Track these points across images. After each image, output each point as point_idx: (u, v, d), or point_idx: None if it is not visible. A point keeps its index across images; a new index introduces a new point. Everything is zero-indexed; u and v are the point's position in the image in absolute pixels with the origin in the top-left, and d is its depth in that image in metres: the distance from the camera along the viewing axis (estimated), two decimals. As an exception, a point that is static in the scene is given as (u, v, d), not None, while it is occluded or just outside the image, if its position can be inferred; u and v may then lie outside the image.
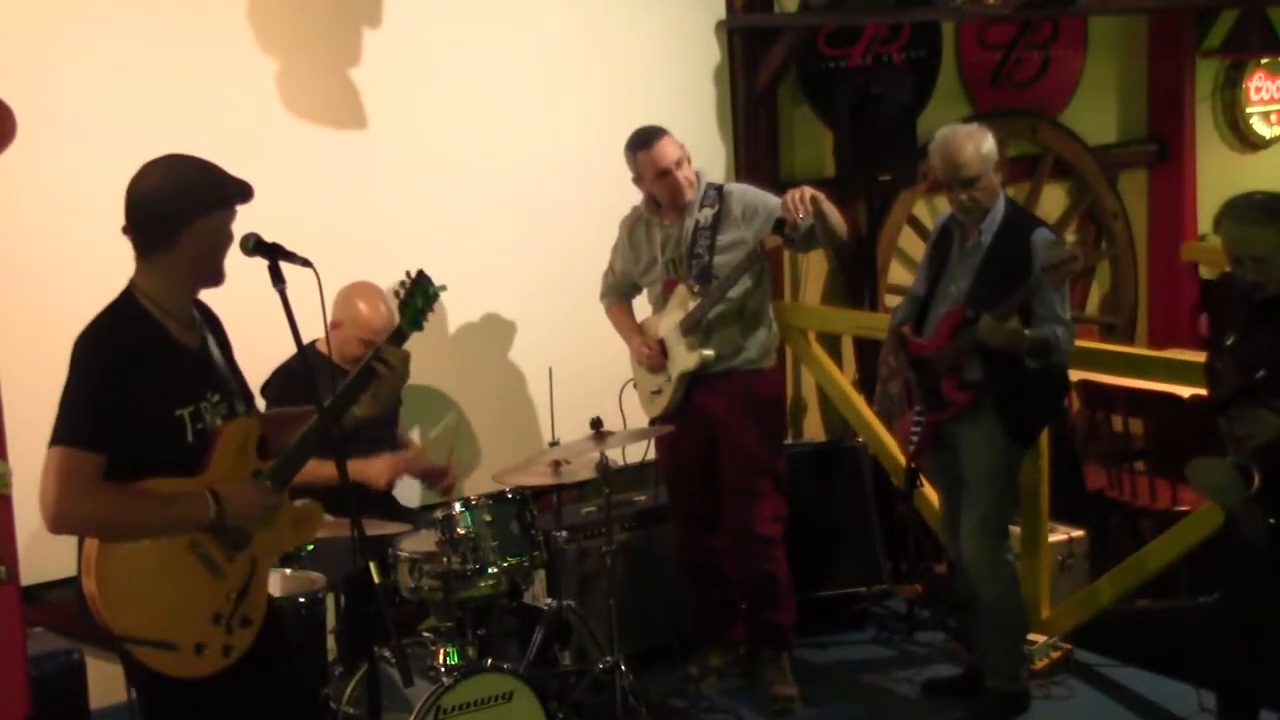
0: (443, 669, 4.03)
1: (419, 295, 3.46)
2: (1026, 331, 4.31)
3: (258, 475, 3.12)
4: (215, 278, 3.08)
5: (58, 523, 2.90)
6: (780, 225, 4.59)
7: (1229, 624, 4.01)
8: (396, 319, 4.34)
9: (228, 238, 3.05)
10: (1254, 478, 3.66)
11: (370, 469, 4.65)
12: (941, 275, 4.63)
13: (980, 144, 4.45)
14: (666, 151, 4.80)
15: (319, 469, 3.88)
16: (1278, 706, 4.23)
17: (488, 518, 4.19)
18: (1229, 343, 3.73)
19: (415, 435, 5.39)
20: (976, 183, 4.45)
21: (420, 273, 3.50)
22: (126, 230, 3.03)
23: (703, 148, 5.46)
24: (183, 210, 2.98)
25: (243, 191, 3.04)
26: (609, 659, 4.50)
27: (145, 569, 2.93)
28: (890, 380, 4.72)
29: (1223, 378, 3.75)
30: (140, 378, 2.93)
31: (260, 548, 3.12)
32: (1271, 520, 3.70)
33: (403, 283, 3.49)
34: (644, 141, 4.83)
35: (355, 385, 3.28)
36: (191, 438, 3.01)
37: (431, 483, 5.08)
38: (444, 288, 3.53)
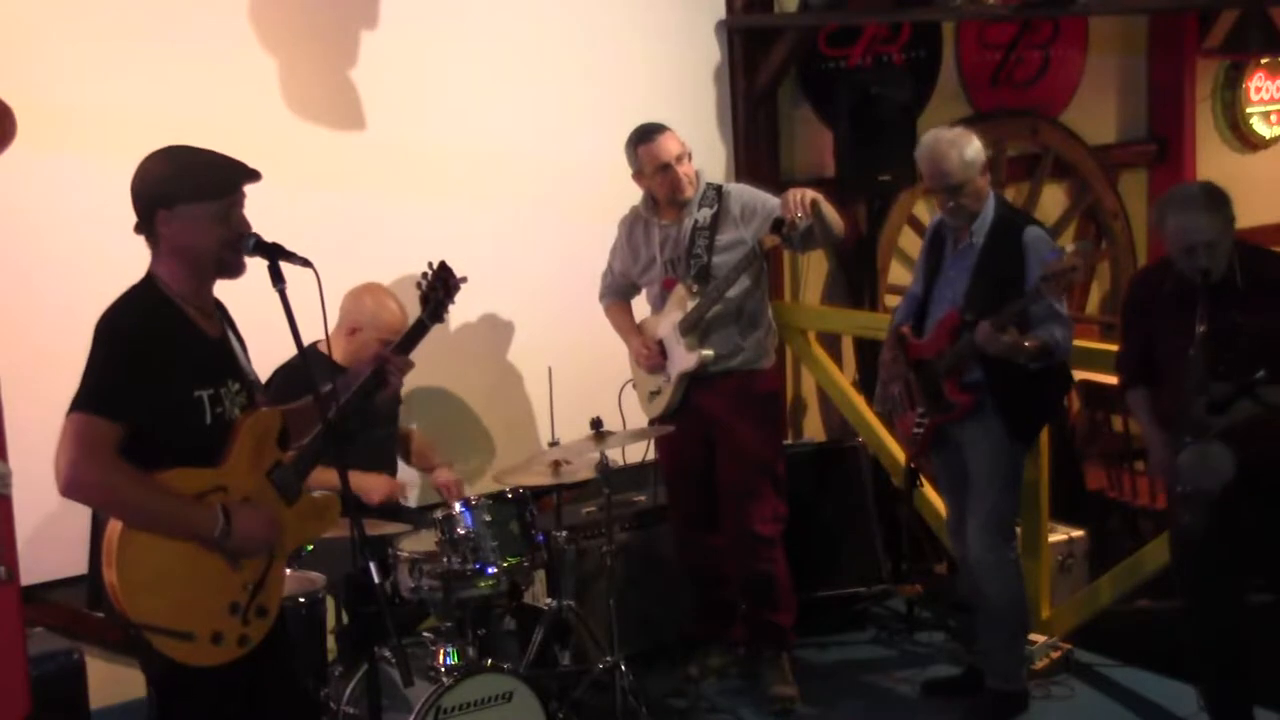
0: (443, 669, 4.03)
1: (440, 286, 3.46)
2: (1026, 344, 4.30)
3: (276, 467, 3.15)
4: (219, 271, 3.09)
5: (70, 486, 2.91)
6: (779, 225, 4.59)
7: (1202, 628, 4.04)
8: (408, 315, 4.38)
9: (214, 233, 3.03)
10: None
11: (367, 483, 4.65)
12: (937, 276, 4.63)
13: (964, 150, 4.43)
14: (667, 146, 4.81)
15: (320, 475, 3.90)
16: (1276, 706, 4.24)
17: (488, 518, 4.19)
18: (1200, 329, 3.77)
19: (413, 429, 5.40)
20: (961, 189, 4.45)
21: (443, 264, 3.51)
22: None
23: (703, 148, 5.46)
24: (144, 203, 3.03)
25: (209, 187, 3.02)
26: (609, 659, 4.50)
27: (165, 558, 2.96)
28: (891, 381, 4.72)
29: (1194, 365, 3.79)
30: (160, 353, 2.97)
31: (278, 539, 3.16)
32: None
33: (425, 274, 3.49)
34: (645, 135, 4.84)
35: (358, 395, 3.30)
36: (210, 420, 3.03)
37: (437, 490, 5.07)
38: (465, 279, 3.53)
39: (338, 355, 4.62)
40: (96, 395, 2.92)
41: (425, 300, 3.49)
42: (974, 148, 4.46)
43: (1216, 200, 3.89)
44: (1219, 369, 3.79)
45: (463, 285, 3.55)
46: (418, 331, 3.44)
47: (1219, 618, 4.03)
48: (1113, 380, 5.50)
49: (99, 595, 2.99)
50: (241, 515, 3.03)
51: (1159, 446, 4.05)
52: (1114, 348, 5.67)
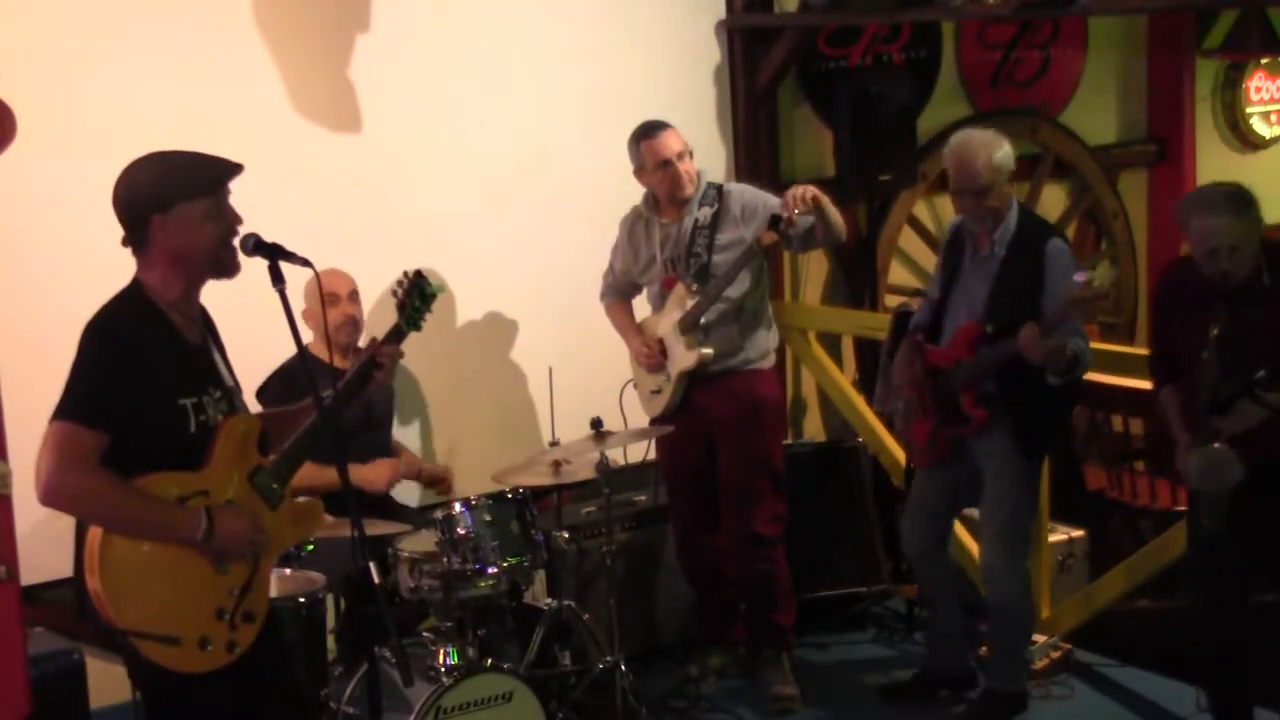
0: (443, 669, 4.03)
1: (416, 295, 3.47)
2: (1068, 347, 4.26)
3: (258, 471, 3.13)
4: (216, 269, 3.08)
5: (50, 494, 2.91)
6: (776, 221, 4.59)
7: (1213, 628, 4.04)
8: (350, 278, 4.46)
9: (210, 230, 3.03)
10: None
11: (370, 473, 4.67)
12: (954, 282, 4.60)
13: (994, 153, 4.40)
14: (669, 142, 4.81)
15: (319, 475, 3.89)
16: (1276, 706, 4.24)
17: (488, 518, 4.19)
18: (1214, 333, 3.76)
19: (414, 433, 5.39)
20: (988, 192, 4.42)
21: (418, 272, 3.51)
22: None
23: (703, 148, 5.46)
24: (139, 210, 3.01)
25: (203, 184, 3.02)
26: (609, 659, 4.50)
27: (148, 562, 2.95)
28: (903, 387, 4.70)
29: (1208, 368, 3.78)
30: (145, 362, 2.96)
31: None
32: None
33: (400, 282, 3.50)
34: (648, 131, 4.84)
35: (352, 385, 3.30)
36: (194, 428, 3.02)
37: (434, 488, 5.09)
38: (441, 288, 3.54)
39: (321, 349, 4.64)
40: (79, 404, 2.91)
41: (402, 308, 3.50)
42: (1004, 152, 4.42)
43: (1241, 203, 3.84)
44: (1232, 371, 3.77)
45: (439, 294, 3.56)
46: (395, 338, 3.44)
47: (1230, 617, 4.01)
48: (1112, 380, 5.53)
49: (85, 602, 2.97)
50: (224, 517, 3.01)
51: (1182, 448, 4.04)
52: (1113, 348, 5.67)
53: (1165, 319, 4.16)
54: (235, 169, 3.08)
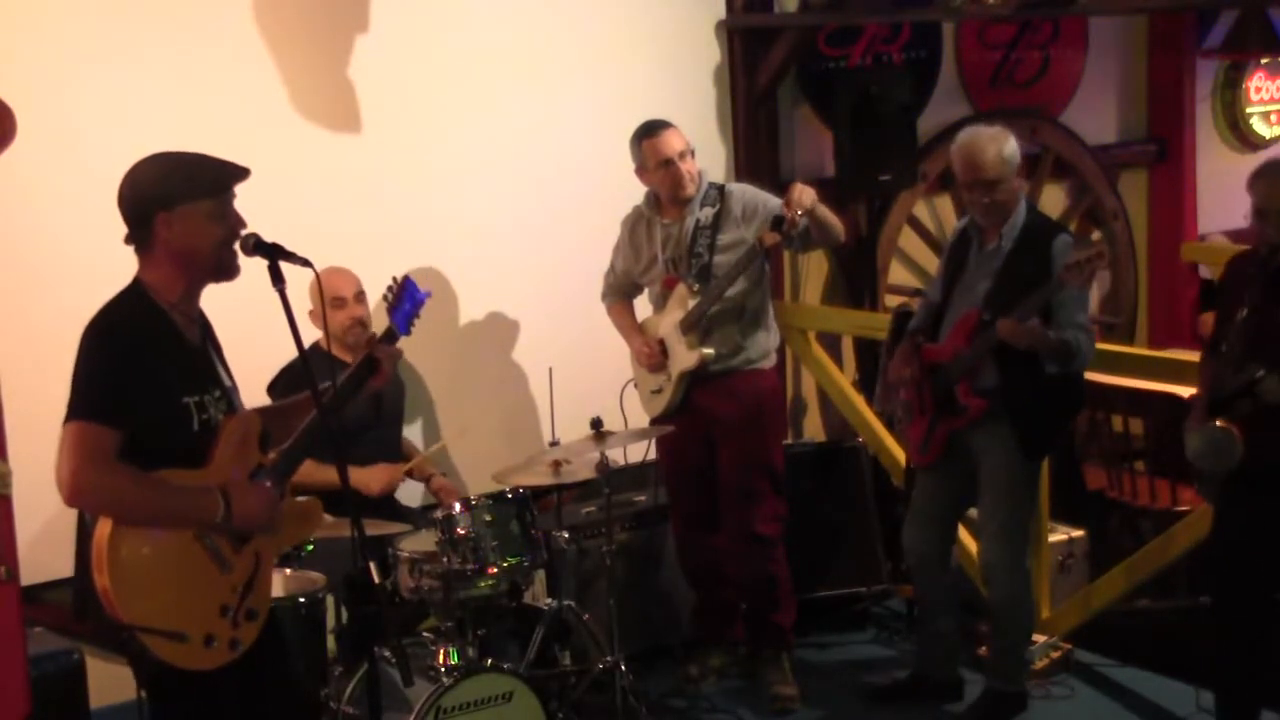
0: (443, 669, 4.03)
1: (407, 300, 3.49)
2: (1050, 333, 4.28)
3: (259, 470, 3.14)
4: (218, 272, 3.09)
5: (75, 495, 2.92)
6: (778, 222, 4.59)
7: (1224, 626, 4.03)
8: (356, 278, 4.54)
9: (213, 231, 3.04)
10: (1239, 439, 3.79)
11: (365, 476, 4.67)
12: (958, 280, 4.60)
13: (1002, 147, 4.42)
14: (671, 141, 4.81)
15: (318, 473, 3.89)
16: (1278, 706, 4.24)
17: (488, 518, 4.19)
18: (1241, 314, 3.74)
19: (414, 433, 5.39)
20: (997, 186, 4.43)
21: (406, 278, 3.54)
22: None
23: (703, 148, 5.45)
24: (143, 207, 3.02)
25: (208, 185, 3.04)
26: (609, 659, 4.50)
27: (154, 560, 2.95)
28: (902, 388, 4.69)
29: (1232, 347, 3.75)
30: (149, 360, 2.97)
31: (263, 542, 3.15)
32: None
33: (390, 288, 3.52)
34: (650, 130, 4.84)
35: (351, 382, 3.31)
36: (197, 427, 3.04)
37: (434, 496, 5.10)
38: (429, 294, 3.57)
39: (330, 345, 4.65)
40: (92, 403, 2.92)
41: (393, 311, 3.52)
42: (1011, 146, 4.44)
43: None
44: (1255, 352, 3.74)
45: (428, 299, 3.57)
46: (388, 341, 3.46)
47: (1242, 616, 4.00)
48: (1112, 380, 5.53)
49: (86, 603, 2.98)
50: (239, 495, 3.03)
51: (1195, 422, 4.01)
52: (1113, 348, 5.66)
53: (1219, 299, 4.12)
54: (242, 173, 3.09)
